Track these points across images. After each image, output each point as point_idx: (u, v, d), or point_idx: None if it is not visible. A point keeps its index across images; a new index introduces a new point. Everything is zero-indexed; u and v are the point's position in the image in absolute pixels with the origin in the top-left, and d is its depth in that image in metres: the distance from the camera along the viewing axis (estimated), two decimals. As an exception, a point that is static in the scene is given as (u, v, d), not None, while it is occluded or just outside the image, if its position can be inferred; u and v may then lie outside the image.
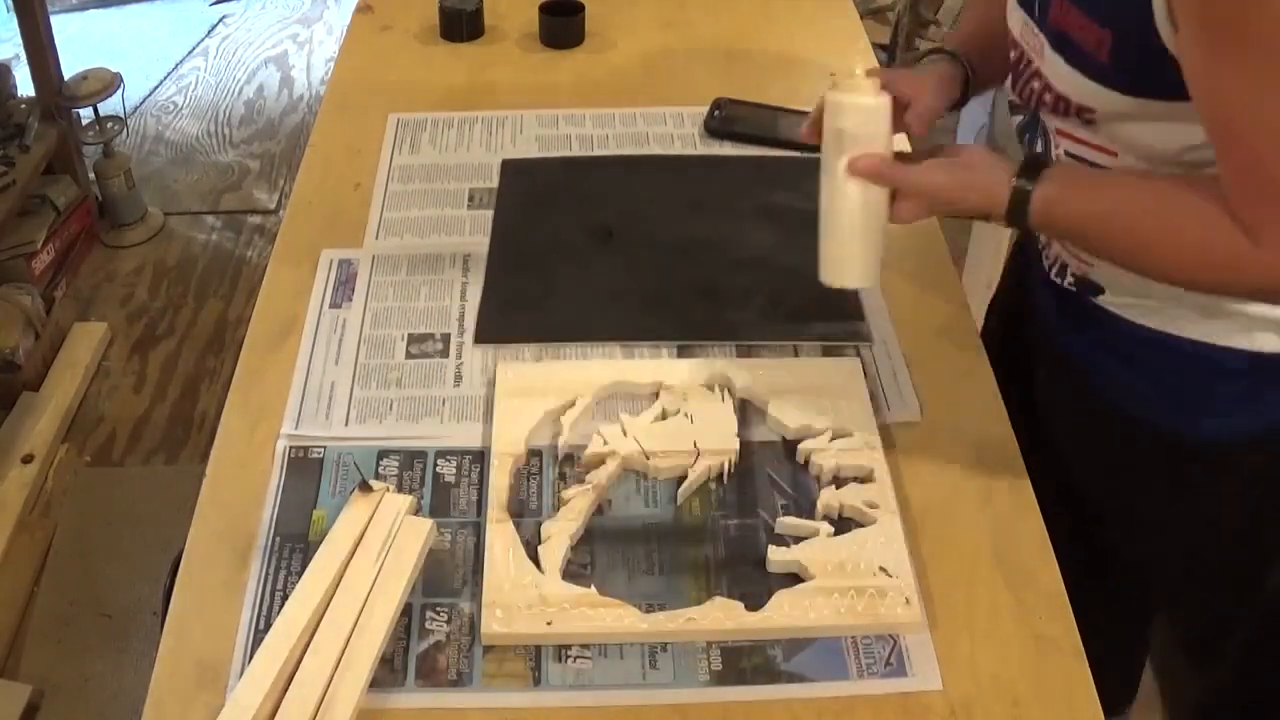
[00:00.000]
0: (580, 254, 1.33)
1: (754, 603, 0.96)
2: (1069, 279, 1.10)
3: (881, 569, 0.97)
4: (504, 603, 0.95)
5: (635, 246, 1.31)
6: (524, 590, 0.95)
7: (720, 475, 1.07)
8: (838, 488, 1.05)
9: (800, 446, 1.08)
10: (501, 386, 1.13)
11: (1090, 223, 0.94)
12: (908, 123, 1.07)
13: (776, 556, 0.98)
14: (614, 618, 0.94)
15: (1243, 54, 0.79)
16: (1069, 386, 1.17)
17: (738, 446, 1.07)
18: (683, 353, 1.20)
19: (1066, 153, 1.02)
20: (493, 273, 1.30)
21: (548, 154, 1.50)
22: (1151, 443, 1.09)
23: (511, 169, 1.46)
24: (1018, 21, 1.02)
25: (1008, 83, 1.08)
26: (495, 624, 0.93)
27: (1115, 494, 1.18)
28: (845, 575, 0.96)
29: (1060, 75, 0.95)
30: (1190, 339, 1.01)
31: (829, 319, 1.22)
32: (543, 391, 1.13)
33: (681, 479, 1.06)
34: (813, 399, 1.11)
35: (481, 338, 1.22)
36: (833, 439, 1.08)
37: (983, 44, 1.16)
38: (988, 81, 1.18)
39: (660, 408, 1.11)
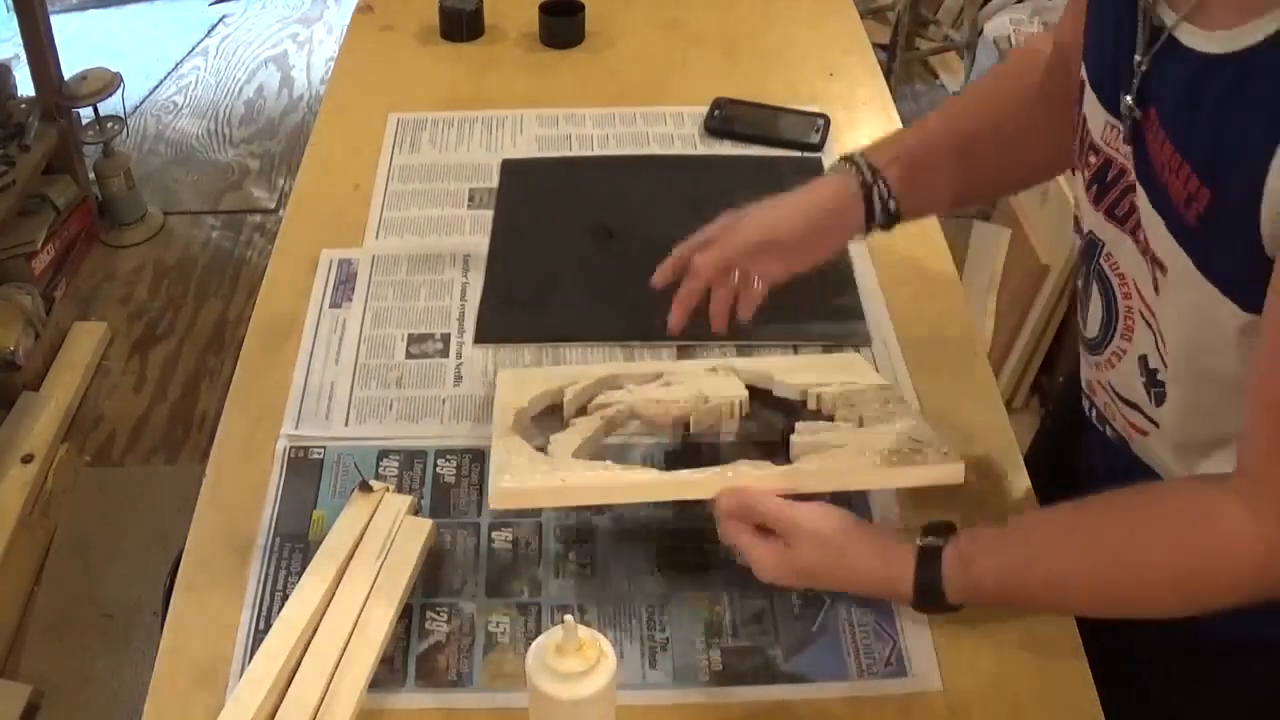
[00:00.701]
0: (580, 254, 1.32)
1: (754, 604, 0.96)
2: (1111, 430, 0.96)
3: (912, 439, 0.95)
4: (514, 466, 0.94)
5: (635, 246, 1.29)
6: (534, 460, 0.96)
7: (731, 413, 1.05)
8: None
9: (808, 391, 1.06)
10: (502, 385, 1.14)
11: (1019, 587, 0.83)
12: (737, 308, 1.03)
13: (801, 437, 0.96)
14: (631, 474, 0.94)
15: None
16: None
17: (746, 394, 1.06)
18: (682, 353, 1.19)
19: (1138, 312, 0.86)
20: (493, 272, 1.30)
21: (548, 154, 1.50)
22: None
23: (511, 169, 1.46)
24: (1098, 121, 0.86)
25: (1082, 199, 0.91)
26: (506, 481, 0.91)
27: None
28: (877, 442, 0.94)
29: (1144, 210, 0.80)
30: None
31: (829, 319, 1.23)
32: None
33: (686, 431, 1.06)
34: (819, 371, 1.11)
35: (482, 337, 1.21)
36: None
37: (936, 161, 1.02)
38: (923, 209, 1.05)
39: (665, 381, 1.11)
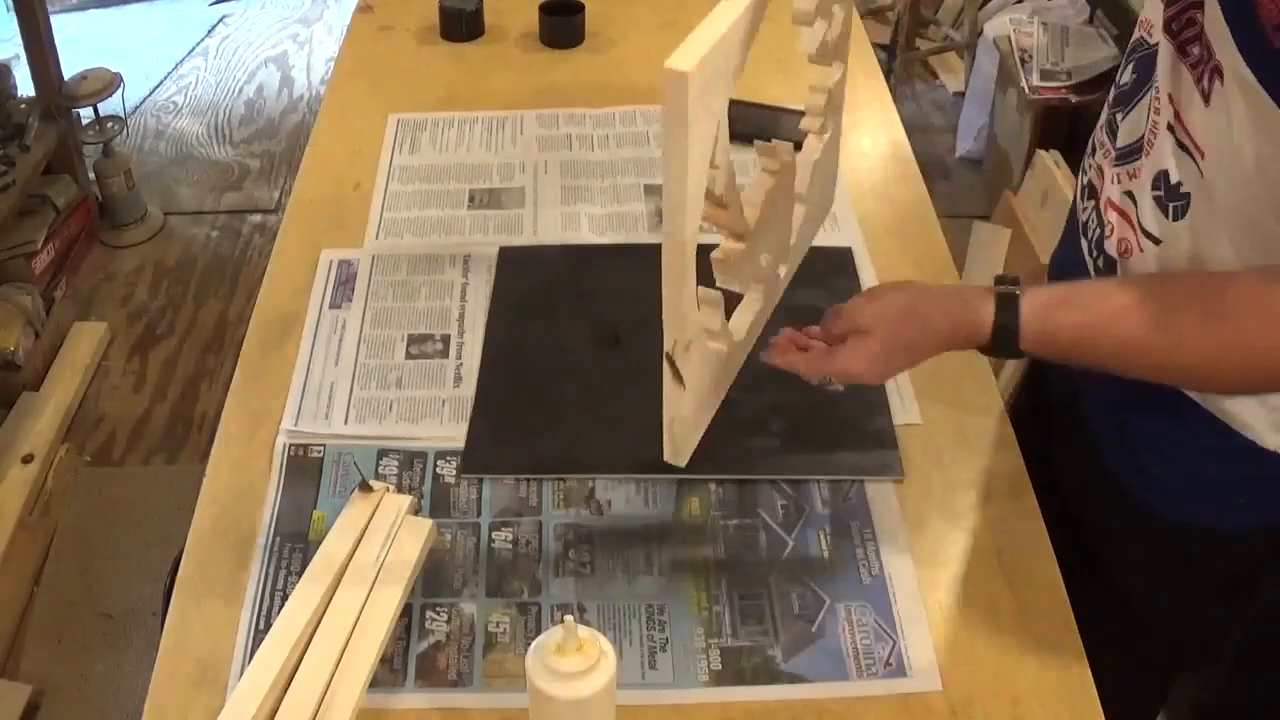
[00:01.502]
0: (581, 365, 1.19)
1: (754, 604, 0.96)
2: None
3: None
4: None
5: (642, 355, 1.07)
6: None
7: None
8: None
9: None
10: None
11: (1103, 321, 0.87)
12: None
13: None
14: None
15: None
16: (1070, 454, 1.10)
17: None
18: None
19: (1168, 125, 0.90)
20: (485, 388, 1.16)
21: (546, 155, 1.50)
22: (1135, 517, 1.03)
23: (510, 258, 1.32)
24: None
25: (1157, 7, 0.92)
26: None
27: (1112, 565, 1.11)
28: None
29: (1219, 37, 0.82)
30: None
31: (858, 448, 1.10)
32: None
33: None
34: None
35: (469, 467, 1.08)
36: None
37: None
38: None
39: None
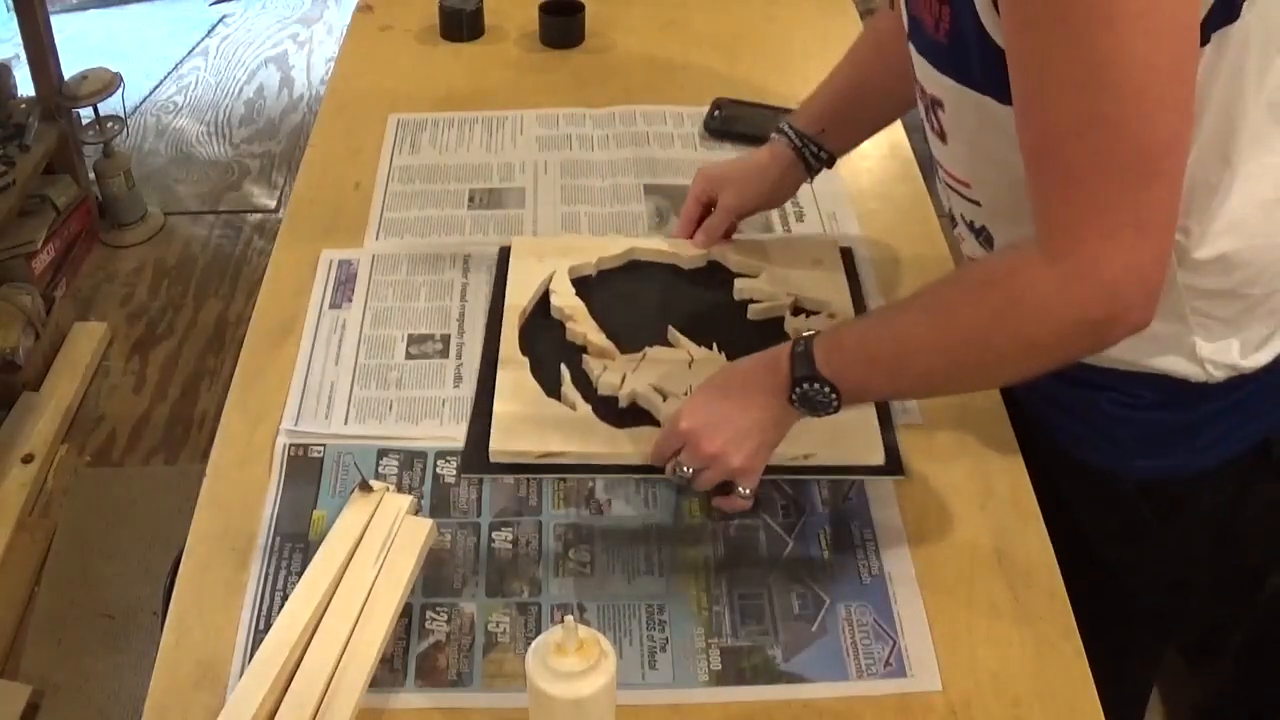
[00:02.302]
0: (581, 370, 1.17)
1: (754, 604, 0.96)
2: None
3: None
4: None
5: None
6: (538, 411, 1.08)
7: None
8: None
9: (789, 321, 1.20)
10: (518, 246, 1.28)
11: (876, 343, 0.92)
12: (706, 227, 1.24)
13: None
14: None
15: (1065, 36, 0.73)
16: (1032, 435, 1.12)
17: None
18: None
19: (943, 180, 1.01)
20: (484, 385, 1.15)
21: (546, 155, 1.50)
22: (1101, 485, 1.08)
23: (509, 258, 1.30)
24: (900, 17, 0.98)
25: None
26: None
27: (1094, 539, 1.14)
28: None
29: (918, 63, 0.92)
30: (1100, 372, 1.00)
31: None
32: (561, 253, 1.27)
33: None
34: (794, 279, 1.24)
35: (469, 467, 1.08)
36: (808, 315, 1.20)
37: (848, 105, 1.20)
38: (856, 141, 1.24)
39: (649, 359, 1.17)
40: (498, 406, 1.10)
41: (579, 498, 1.05)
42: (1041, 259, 0.80)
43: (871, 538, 1.02)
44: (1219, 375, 0.96)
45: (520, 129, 1.55)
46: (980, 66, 0.84)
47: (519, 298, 1.23)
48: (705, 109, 1.55)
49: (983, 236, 0.99)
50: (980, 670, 0.92)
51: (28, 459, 2.20)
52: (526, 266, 1.27)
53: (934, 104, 0.93)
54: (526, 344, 1.18)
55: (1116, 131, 0.74)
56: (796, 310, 1.22)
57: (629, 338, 1.19)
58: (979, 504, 1.05)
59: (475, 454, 1.08)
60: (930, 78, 0.91)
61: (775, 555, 1.01)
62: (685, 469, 0.99)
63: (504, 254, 1.31)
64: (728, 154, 1.50)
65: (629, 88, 1.63)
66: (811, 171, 1.24)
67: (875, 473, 1.07)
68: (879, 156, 1.50)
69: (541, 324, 1.22)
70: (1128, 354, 0.95)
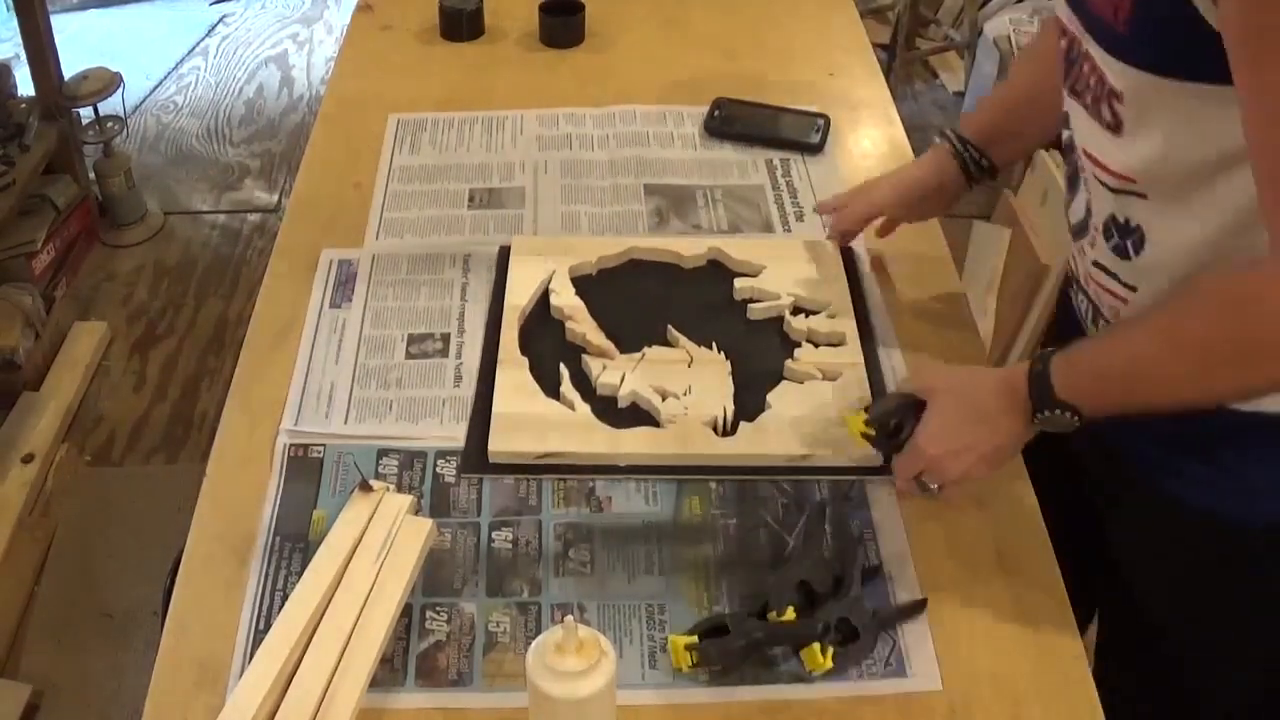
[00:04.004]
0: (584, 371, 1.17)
1: (754, 603, 0.96)
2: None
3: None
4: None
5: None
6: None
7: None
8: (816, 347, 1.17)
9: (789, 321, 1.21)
10: (518, 245, 1.28)
11: (1110, 366, 0.90)
12: (842, 215, 1.26)
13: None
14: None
15: None
16: (1123, 481, 1.06)
17: (730, 407, 1.11)
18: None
19: (1095, 177, 0.95)
20: (484, 385, 1.15)
21: (546, 154, 1.50)
22: (1216, 534, 0.98)
23: (508, 257, 1.30)
24: (1062, 7, 0.93)
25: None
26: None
27: (1183, 600, 1.07)
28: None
29: (1095, 54, 0.88)
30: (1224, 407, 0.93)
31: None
32: (561, 252, 1.28)
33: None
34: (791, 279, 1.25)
35: (468, 468, 1.08)
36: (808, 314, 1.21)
37: (1018, 115, 1.17)
38: (1017, 154, 1.22)
39: (648, 359, 1.18)
40: (497, 406, 1.10)
41: (579, 497, 1.05)
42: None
43: (871, 538, 1.02)
44: None
45: (520, 129, 1.55)
46: (1165, 48, 0.81)
47: (519, 297, 1.23)
48: (705, 109, 1.55)
49: (1134, 236, 0.93)
50: (980, 670, 0.92)
51: (28, 459, 2.20)
52: (526, 266, 1.27)
53: (1111, 95, 0.88)
54: (526, 343, 1.18)
55: None
56: (796, 310, 1.22)
57: (629, 337, 1.19)
58: (979, 504, 1.05)
59: (475, 454, 1.08)
60: (1110, 66, 0.86)
61: (775, 555, 1.01)
62: (933, 486, 1.02)
63: (504, 253, 1.31)
64: (728, 154, 1.50)
65: (629, 88, 1.63)
66: (972, 181, 1.21)
67: (874, 473, 1.07)
68: (878, 155, 1.50)
69: (541, 323, 1.22)
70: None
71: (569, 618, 0.77)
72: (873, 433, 1.03)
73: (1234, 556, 0.99)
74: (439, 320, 1.24)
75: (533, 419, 1.09)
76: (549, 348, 1.19)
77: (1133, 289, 0.96)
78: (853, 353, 1.17)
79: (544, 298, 1.24)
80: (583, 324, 1.20)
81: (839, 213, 1.28)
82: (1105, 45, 0.86)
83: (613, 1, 1.79)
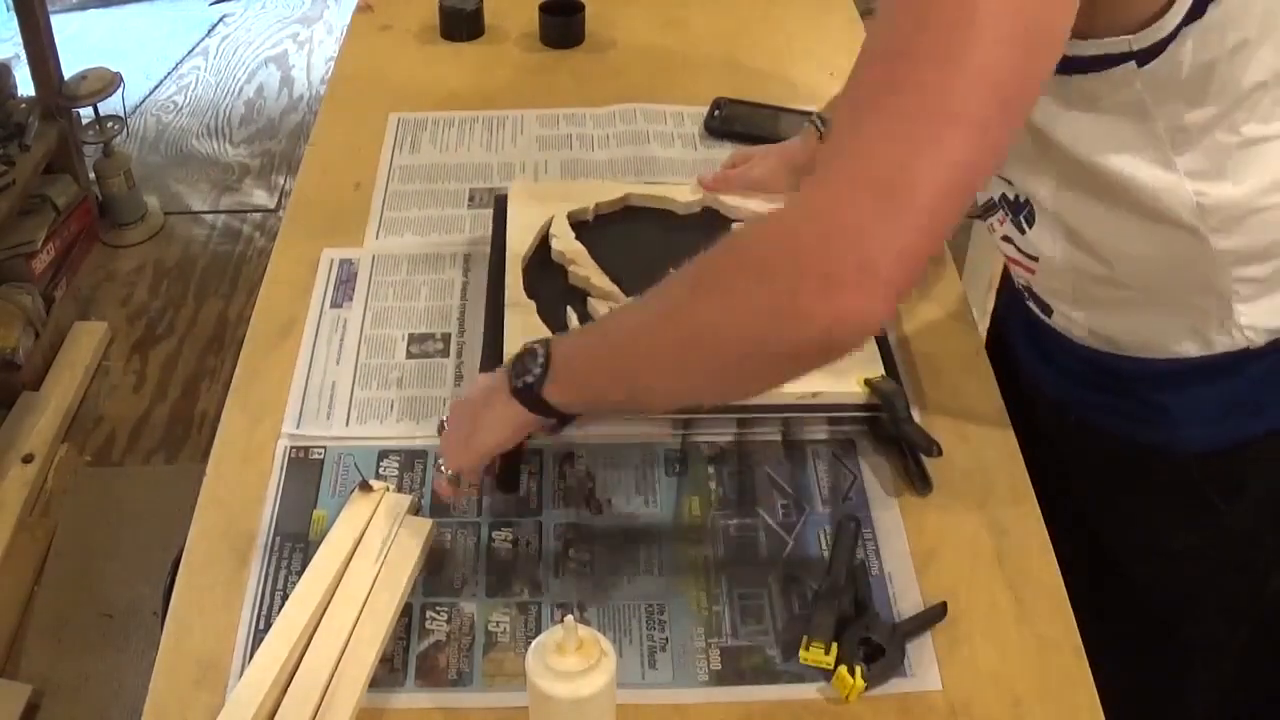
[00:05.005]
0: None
1: (754, 604, 0.96)
2: (1031, 301, 1.09)
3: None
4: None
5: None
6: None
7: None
8: None
9: None
10: (515, 191, 1.29)
11: (613, 343, 0.84)
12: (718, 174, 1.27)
13: None
14: None
15: None
16: (1054, 419, 1.14)
17: None
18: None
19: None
20: (492, 329, 1.15)
21: (546, 154, 1.50)
22: (1138, 461, 1.07)
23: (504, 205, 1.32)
24: None
25: None
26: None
27: (1122, 522, 1.14)
28: None
29: None
30: (1129, 354, 1.01)
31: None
32: (559, 198, 1.28)
33: None
34: None
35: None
36: None
37: None
38: None
39: None
40: (508, 348, 1.10)
41: (579, 498, 1.05)
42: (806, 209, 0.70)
43: (871, 538, 1.02)
44: (1259, 341, 0.95)
45: (520, 129, 1.55)
46: None
47: (519, 244, 1.23)
48: (705, 109, 1.55)
49: (1025, 211, 0.96)
50: (980, 670, 0.92)
51: (28, 459, 2.20)
52: (525, 212, 1.27)
53: None
54: (529, 285, 1.18)
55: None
56: None
57: (630, 281, 1.18)
58: (979, 504, 1.05)
59: None
60: None
61: (775, 555, 1.01)
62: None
63: (501, 202, 1.31)
64: (728, 154, 1.49)
65: (629, 88, 1.63)
66: None
67: (876, 411, 1.08)
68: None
69: (542, 269, 1.22)
70: (1156, 338, 0.97)
71: (569, 617, 0.77)
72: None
73: (1170, 483, 1.06)
74: (439, 320, 1.24)
75: None
76: (552, 292, 1.18)
77: (1034, 259, 1.00)
78: None
79: (543, 244, 1.24)
80: (585, 268, 1.20)
81: (717, 177, 1.30)
82: None
83: (613, 1, 1.79)
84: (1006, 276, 1.20)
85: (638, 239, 1.28)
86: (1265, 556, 1.10)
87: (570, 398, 0.86)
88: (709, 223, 1.29)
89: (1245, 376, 0.98)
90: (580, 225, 1.28)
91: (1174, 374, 0.99)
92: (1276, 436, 1.00)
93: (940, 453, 1.04)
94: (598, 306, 1.16)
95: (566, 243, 1.23)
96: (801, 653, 0.90)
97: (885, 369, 1.09)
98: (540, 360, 0.86)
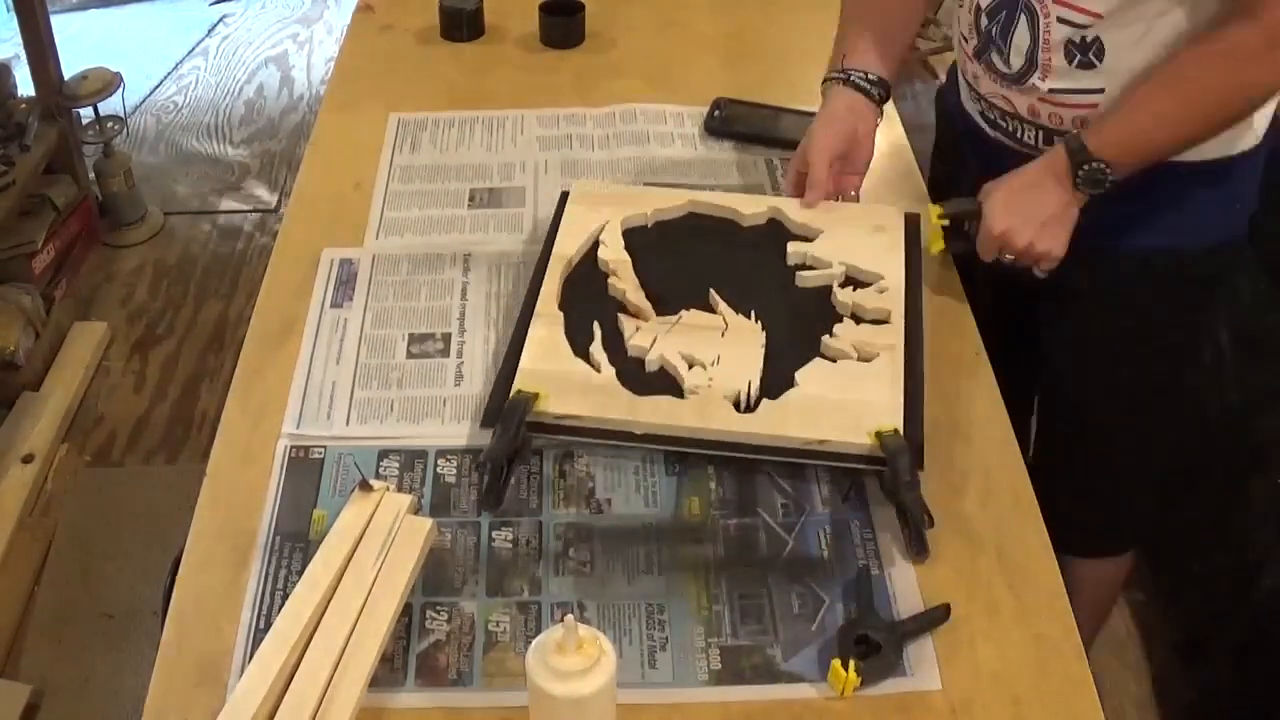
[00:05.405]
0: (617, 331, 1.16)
1: (754, 604, 0.96)
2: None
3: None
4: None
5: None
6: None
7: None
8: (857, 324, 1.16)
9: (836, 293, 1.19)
10: (576, 192, 1.30)
11: (1132, 121, 1.08)
12: (809, 182, 1.27)
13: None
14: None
15: None
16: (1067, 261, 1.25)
17: (758, 375, 1.10)
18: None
19: (1058, 19, 1.11)
20: (517, 337, 1.14)
21: (546, 154, 1.50)
22: (1153, 272, 1.22)
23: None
24: None
25: None
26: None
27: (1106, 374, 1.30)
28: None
29: None
30: None
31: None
32: (619, 203, 1.28)
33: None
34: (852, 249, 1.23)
35: (488, 422, 1.07)
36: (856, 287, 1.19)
37: (890, 45, 1.30)
38: (896, 60, 1.33)
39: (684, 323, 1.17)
40: (524, 363, 1.10)
41: (579, 497, 1.05)
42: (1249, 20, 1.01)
43: (871, 538, 1.02)
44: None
45: (520, 129, 1.55)
46: None
47: (567, 247, 1.23)
48: (705, 109, 1.55)
49: (1094, 49, 1.11)
50: (980, 670, 0.92)
51: (28, 459, 2.20)
52: (580, 215, 1.26)
53: None
54: (571, 292, 1.18)
55: None
56: (847, 281, 1.20)
57: (672, 296, 1.18)
58: (979, 504, 1.05)
59: (496, 411, 1.08)
60: None
61: (775, 555, 1.01)
62: (1008, 258, 1.16)
63: (563, 200, 1.31)
64: (728, 154, 1.50)
65: (629, 88, 1.63)
66: (874, 100, 1.30)
67: (882, 465, 1.04)
68: (878, 156, 1.49)
69: (589, 273, 1.22)
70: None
71: (569, 617, 0.77)
72: (947, 223, 1.20)
73: (1169, 294, 1.23)
74: (439, 320, 1.24)
75: (557, 378, 1.08)
76: (591, 300, 1.18)
77: (1100, 91, 1.14)
78: (894, 333, 1.14)
79: (595, 248, 1.24)
80: (625, 280, 1.19)
81: (808, 185, 1.28)
82: None
83: (613, 1, 1.79)
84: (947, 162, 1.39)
85: (694, 249, 1.26)
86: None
87: (1105, 152, 1.10)
88: (771, 237, 1.27)
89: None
90: (639, 230, 1.27)
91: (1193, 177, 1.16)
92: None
93: (933, 524, 1.00)
94: (626, 324, 1.15)
95: (613, 251, 1.22)
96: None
97: (906, 422, 1.05)
98: (1101, 166, 1.10)
